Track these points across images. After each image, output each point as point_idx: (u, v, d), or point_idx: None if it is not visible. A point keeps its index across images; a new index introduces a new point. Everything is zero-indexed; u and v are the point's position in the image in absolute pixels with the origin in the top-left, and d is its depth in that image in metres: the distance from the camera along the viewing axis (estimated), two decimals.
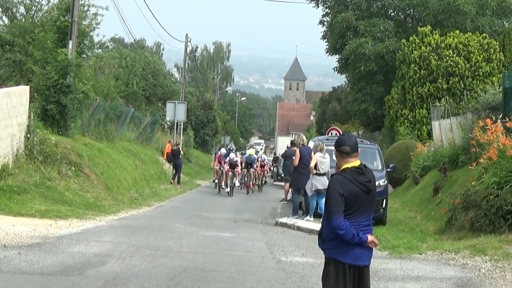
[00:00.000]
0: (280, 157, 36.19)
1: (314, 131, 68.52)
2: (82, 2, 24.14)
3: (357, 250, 5.68)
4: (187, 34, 50.54)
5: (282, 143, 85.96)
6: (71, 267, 9.38)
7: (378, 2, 41.57)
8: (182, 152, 32.75)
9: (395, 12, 42.41)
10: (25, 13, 31.02)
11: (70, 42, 21.80)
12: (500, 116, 16.38)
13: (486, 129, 15.13)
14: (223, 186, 27.15)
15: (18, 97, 17.33)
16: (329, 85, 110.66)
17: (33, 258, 9.73)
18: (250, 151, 29.66)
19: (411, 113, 33.39)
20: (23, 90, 18.23)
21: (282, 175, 28.11)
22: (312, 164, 16.18)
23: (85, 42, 24.49)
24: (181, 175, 30.93)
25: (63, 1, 23.99)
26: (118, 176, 22.24)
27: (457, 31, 33.89)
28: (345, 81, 52.03)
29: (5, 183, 15.29)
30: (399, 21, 41.60)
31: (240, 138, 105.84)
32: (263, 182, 32.28)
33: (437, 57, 32.56)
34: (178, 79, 60.83)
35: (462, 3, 35.57)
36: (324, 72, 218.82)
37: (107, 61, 43.84)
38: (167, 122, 45.05)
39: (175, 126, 40.13)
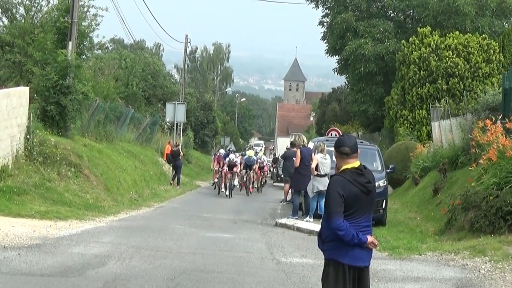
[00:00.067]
0: (279, 158, 36.18)
1: (313, 132, 68.53)
2: (82, 3, 24.13)
3: (357, 251, 5.67)
4: (186, 35, 50.56)
5: (282, 144, 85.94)
6: (70, 268, 9.37)
7: (378, 3, 41.61)
8: (181, 153, 32.76)
9: (395, 13, 42.43)
10: (24, 14, 31.03)
11: (70, 43, 21.80)
12: (500, 117, 16.37)
13: (486, 130, 15.13)
14: (223, 189, 27.08)
15: (18, 98, 17.34)
16: (329, 86, 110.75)
17: (32, 259, 9.73)
18: (249, 153, 29.62)
19: (411, 114, 33.40)
20: (23, 91, 18.23)
21: (282, 176, 28.09)
22: (313, 165, 16.16)
23: (85, 43, 24.50)
24: (180, 176, 30.93)
25: (62, 2, 23.99)
26: (117, 177, 22.24)
27: (457, 32, 33.90)
28: (345, 82, 52.06)
29: (4, 184, 15.28)
30: (398, 22, 41.62)
31: (240, 139, 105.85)
32: (262, 183, 32.09)
33: (437, 58, 32.57)
34: (178, 80, 60.76)
35: (462, 4, 35.59)
36: (324, 73, 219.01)
37: (107, 62, 43.85)
38: (167, 123, 45.04)
39: (174, 127, 40.13)
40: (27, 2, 31.04)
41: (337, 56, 42.78)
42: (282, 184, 27.10)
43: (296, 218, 17.05)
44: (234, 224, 16.64)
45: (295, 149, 20.98)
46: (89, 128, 24.81)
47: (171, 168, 32.13)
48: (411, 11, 41.10)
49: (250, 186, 28.59)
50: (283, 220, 17.09)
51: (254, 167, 28.80)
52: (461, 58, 32.21)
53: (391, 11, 42.37)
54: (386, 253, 12.26)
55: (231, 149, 31.31)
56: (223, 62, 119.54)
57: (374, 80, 39.90)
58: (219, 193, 27.45)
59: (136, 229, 14.08)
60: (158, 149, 36.97)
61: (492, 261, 10.43)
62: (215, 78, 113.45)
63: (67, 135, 20.95)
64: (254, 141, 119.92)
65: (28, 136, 17.75)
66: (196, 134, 57.55)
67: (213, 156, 38.00)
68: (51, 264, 9.57)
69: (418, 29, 35.04)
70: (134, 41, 50.81)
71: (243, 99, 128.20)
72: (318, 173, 16.08)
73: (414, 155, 25.87)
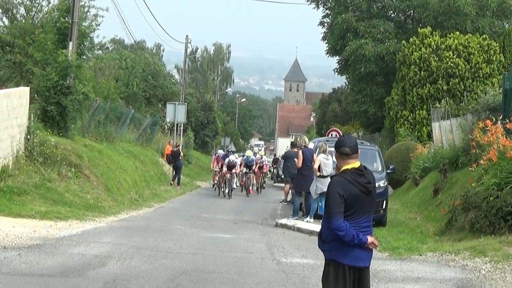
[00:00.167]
0: (280, 158, 36.17)
1: (314, 133, 68.52)
2: (82, 3, 24.11)
3: (357, 251, 5.68)
4: (187, 35, 50.56)
5: (282, 145, 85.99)
6: (71, 269, 9.38)
7: (378, 4, 41.59)
8: (182, 154, 32.75)
9: (395, 13, 42.44)
10: (25, 14, 30.99)
11: (70, 43, 21.81)
12: (500, 118, 16.36)
13: (486, 131, 15.12)
14: (223, 190, 27.05)
15: (18, 98, 17.34)
16: (329, 86, 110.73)
17: (33, 260, 9.73)
18: (247, 153, 29.62)
19: (411, 115, 33.40)
20: (23, 92, 18.23)
21: (282, 176, 28.09)
22: (315, 166, 16.13)
23: (85, 43, 24.50)
24: (181, 176, 30.94)
25: (63, 2, 23.99)
26: (118, 177, 22.24)
27: (457, 33, 33.91)
28: (345, 83, 52.06)
29: (5, 184, 15.29)
30: (399, 23, 41.62)
31: (240, 140, 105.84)
32: (261, 184, 31.97)
33: (437, 59, 32.58)
34: (178, 80, 60.81)
35: (462, 4, 35.59)
36: (324, 74, 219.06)
37: (107, 62, 43.83)
38: (167, 124, 45.03)
39: (175, 128, 40.11)
40: (28, 2, 31.01)
41: (337, 57, 42.78)
42: (282, 185, 27.10)
43: (297, 219, 17.05)
44: (235, 225, 16.64)
45: (295, 149, 21.00)
46: (89, 129, 24.81)
47: (171, 169, 32.13)
48: (412, 11, 41.11)
49: (250, 187, 28.57)
50: (284, 221, 17.09)
51: (253, 168, 28.76)
52: (462, 59, 32.22)
53: (391, 12, 42.37)
54: (387, 253, 12.26)
55: (230, 150, 31.24)
56: (224, 63, 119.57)
57: (374, 81, 39.91)
58: (219, 194, 27.45)
59: (137, 230, 14.09)
60: (158, 149, 36.98)
61: (493, 262, 10.43)
62: (216, 78, 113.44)
63: (67, 136, 20.95)
64: (254, 141, 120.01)
65: (28, 137, 17.75)
66: (196, 135, 57.54)
67: (213, 157, 37.97)
68: (52, 265, 9.57)
69: (419, 29, 35.04)
70: (134, 41, 50.90)
71: (244, 99, 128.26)
72: (321, 174, 16.05)
73: (415, 155, 25.87)
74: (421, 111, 32.92)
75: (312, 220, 16.49)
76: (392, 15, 42.60)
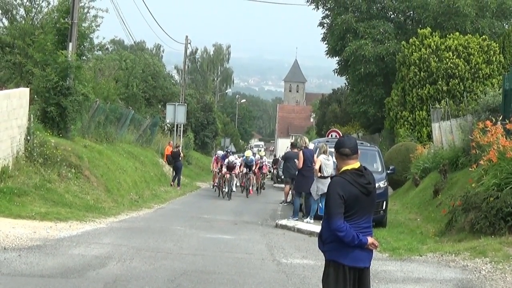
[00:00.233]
0: (280, 159, 36.17)
1: (314, 133, 68.51)
2: (82, 4, 24.13)
3: (357, 252, 5.68)
4: (187, 36, 50.55)
5: (282, 145, 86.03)
6: (71, 269, 9.38)
7: (378, 4, 41.60)
8: (182, 154, 32.74)
9: (395, 14, 42.43)
10: (25, 15, 31.00)
11: (70, 44, 21.81)
12: (500, 118, 16.36)
13: (486, 131, 15.13)
14: (223, 188, 27.05)
15: (18, 99, 17.34)
16: (329, 87, 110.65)
17: (33, 260, 9.73)
18: (247, 153, 29.61)
19: (411, 115, 33.40)
20: (23, 92, 18.23)
21: (282, 177, 28.09)
22: (316, 167, 16.12)
23: (85, 44, 24.49)
24: (181, 177, 30.94)
25: (63, 3, 23.99)
26: (118, 178, 22.24)
27: (457, 33, 33.90)
28: (345, 83, 52.06)
29: (5, 185, 15.28)
30: (399, 23, 41.62)
31: (240, 140, 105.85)
32: (261, 185, 31.95)
33: (437, 59, 32.58)
34: (178, 81, 60.77)
35: (462, 5, 35.58)
36: (324, 74, 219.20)
37: (107, 63, 43.84)
38: (167, 124, 45.01)
39: (175, 128, 40.10)
40: (27, 3, 31.01)
41: (337, 57, 42.77)
42: (282, 185, 27.10)
43: (297, 219, 17.05)
44: (235, 225, 16.64)
45: (295, 150, 21.01)
46: (89, 129, 24.80)
47: (171, 169, 32.13)
48: (411, 12, 41.10)
49: (250, 188, 28.56)
50: (284, 222, 17.09)
51: (253, 168, 28.76)
52: (461, 59, 32.22)
53: (391, 12, 42.36)
54: (387, 254, 12.26)
55: (230, 150, 31.20)
56: (223, 63, 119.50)
57: (374, 81, 39.91)
58: (219, 194, 27.44)
59: (137, 230, 14.09)
60: (158, 150, 36.98)
61: (493, 262, 10.43)
62: (215, 79, 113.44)
63: (67, 136, 20.95)
64: (254, 142, 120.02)
65: (28, 137, 17.75)
66: (196, 135, 57.54)
67: (213, 158, 37.97)
68: (52, 265, 9.57)
69: (418, 30, 35.04)
70: (134, 42, 50.89)
71: (243, 100, 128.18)
72: (322, 174, 16.04)
73: (415, 156, 25.87)
74: (421, 111, 32.92)
75: (312, 221, 16.50)
76: (391, 16, 42.60)
